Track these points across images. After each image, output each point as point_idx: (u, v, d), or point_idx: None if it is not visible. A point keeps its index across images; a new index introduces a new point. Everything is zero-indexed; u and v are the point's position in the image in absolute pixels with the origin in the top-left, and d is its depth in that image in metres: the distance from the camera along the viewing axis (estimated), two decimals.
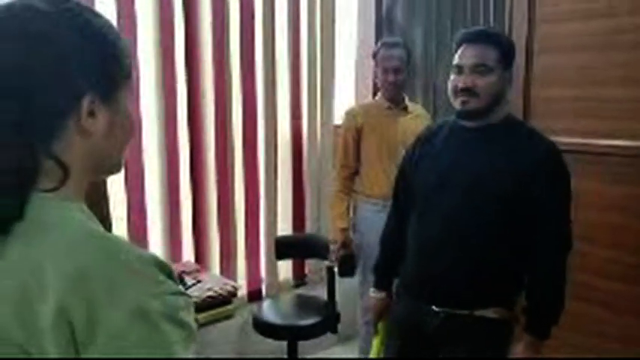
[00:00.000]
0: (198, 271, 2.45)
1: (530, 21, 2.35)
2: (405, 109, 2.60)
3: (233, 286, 2.33)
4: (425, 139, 1.76)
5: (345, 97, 3.23)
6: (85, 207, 0.68)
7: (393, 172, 2.43)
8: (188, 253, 2.63)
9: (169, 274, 0.62)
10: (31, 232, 0.61)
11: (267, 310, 2.52)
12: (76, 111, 0.64)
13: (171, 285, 0.61)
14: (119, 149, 0.73)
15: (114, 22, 0.69)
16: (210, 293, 2.21)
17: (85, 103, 0.64)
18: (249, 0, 2.63)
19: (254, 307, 2.60)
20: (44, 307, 0.56)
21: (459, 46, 1.60)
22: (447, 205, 1.62)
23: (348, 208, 2.64)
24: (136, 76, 2.20)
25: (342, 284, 2.69)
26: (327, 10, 2.99)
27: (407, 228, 1.75)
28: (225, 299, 2.25)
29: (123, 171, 0.71)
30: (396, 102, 2.58)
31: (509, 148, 1.57)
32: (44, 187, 0.63)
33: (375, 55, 2.59)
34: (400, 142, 2.51)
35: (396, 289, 1.83)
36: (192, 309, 0.63)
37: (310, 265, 3.13)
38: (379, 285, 1.89)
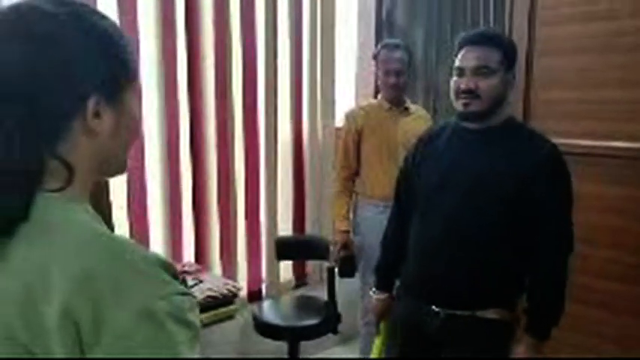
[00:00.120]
0: (198, 271, 2.46)
1: (531, 23, 2.36)
2: (406, 110, 2.61)
3: (234, 287, 2.33)
4: (426, 141, 1.76)
5: (346, 99, 3.24)
6: (89, 207, 0.68)
7: (394, 173, 2.43)
8: (189, 253, 2.63)
9: (174, 275, 0.63)
10: (36, 232, 0.61)
11: (268, 311, 2.52)
12: (81, 112, 0.65)
13: (176, 285, 0.62)
14: (124, 150, 0.74)
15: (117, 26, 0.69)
16: (211, 294, 2.21)
17: (91, 104, 0.65)
18: (250, 3, 2.64)
19: (254, 307, 2.61)
20: (49, 307, 0.57)
21: (460, 47, 1.60)
22: (448, 206, 1.62)
23: (348, 210, 2.64)
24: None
25: (342, 285, 2.70)
26: (327, 12, 3.00)
27: (408, 229, 1.76)
28: (226, 300, 2.25)
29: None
30: (397, 103, 2.59)
31: (510, 150, 1.58)
32: (49, 188, 0.63)
33: (376, 57, 2.60)
34: (401, 143, 2.52)
35: (397, 290, 1.84)
36: (197, 309, 0.64)
37: (310, 265, 3.13)
38: (380, 286, 1.90)
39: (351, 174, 2.64)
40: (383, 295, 1.88)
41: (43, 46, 0.62)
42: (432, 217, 1.67)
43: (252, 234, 2.81)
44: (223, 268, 2.69)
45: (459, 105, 1.59)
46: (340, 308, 2.63)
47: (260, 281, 2.89)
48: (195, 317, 0.62)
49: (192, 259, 2.63)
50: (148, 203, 2.41)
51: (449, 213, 1.62)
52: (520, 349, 1.60)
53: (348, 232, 2.61)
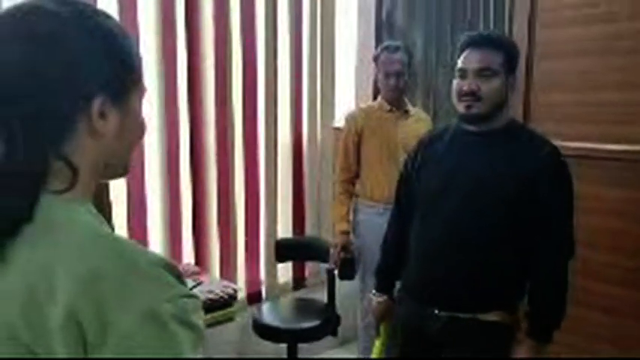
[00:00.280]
0: (198, 273, 2.45)
1: (531, 26, 2.37)
2: (407, 112, 2.61)
3: (233, 289, 2.32)
4: (427, 143, 1.76)
5: (345, 100, 3.24)
6: (93, 208, 0.68)
7: (394, 175, 2.43)
8: (188, 255, 2.62)
9: (178, 276, 0.63)
10: (40, 233, 0.60)
11: (267, 313, 2.52)
12: (86, 112, 0.64)
13: (181, 287, 0.62)
14: (128, 151, 0.74)
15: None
16: (210, 295, 2.20)
17: (96, 104, 0.64)
18: (250, 3, 2.64)
19: (254, 309, 2.60)
20: (54, 308, 0.56)
21: (463, 49, 1.60)
22: (448, 208, 1.62)
23: (348, 211, 2.64)
24: None
25: (341, 287, 2.69)
26: (327, 13, 3.00)
27: (409, 232, 1.75)
28: (225, 302, 2.24)
29: None
30: (397, 105, 2.59)
31: (511, 152, 1.58)
32: (53, 189, 0.63)
33: (376, 59, 2.60)
34: (401, 145, 2.52)
35: (398, 292, 1.83)
36: (201, 311, 0.64)
37: (310, 267, 3.12)
38: (381, 288, 1.89)
39: (351, 176, 2.63)
40: (383, 298, 1.88)
41: (45, 46, 0.61)
42: (433, 219, 1.66)
43: (252, 236, 2.81)
44: (222, 270, 2.68)
45: (460, 107, 1.59)
46: (339, 310, 2.62)
47: (259, 283, 2.88)
48: (200, 319, 0.62)
49: (192, 261, 2.62)
50: (148, 204, 2.40)
51: (449, 215, 1.62)
52: (521, 352, 1.60)
53: (347, 233, 2.60)
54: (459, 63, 1.60)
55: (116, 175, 0.75)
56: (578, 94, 2.25)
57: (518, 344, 1.61)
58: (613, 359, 2.22)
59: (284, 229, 3.00)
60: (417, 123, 2.60)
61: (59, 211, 0.62)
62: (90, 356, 0.56)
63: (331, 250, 2.62)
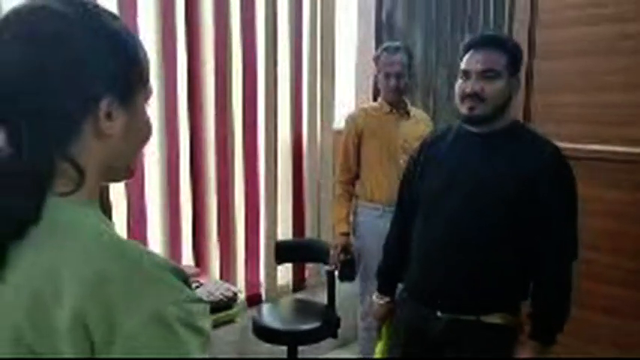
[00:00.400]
0: (198, 274, 2.44)
1: (531, 27, 2.37)
2: (407, 113, 2.61)
3: (234, 291, 2.31)
4: (430, 144, 1.76)
5: (345, 102, 3.23)
6: (99, 210, 0.68)
7: (394, 176, 2.45)
8: (187, 257, 2.61)
9: (184, 280, 0.62)
10: (46, 235, 0.60)
11: (267, 315, 2.51)
12: (93, 113, 0.64)
13: (188, 291, 0.61)
14: (134, 152, 0.73)
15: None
16: (211, 297, 2.19)
17: (103, 105, 0.64)
18: (250, 4, 2.63)
19: (253, 311, 2.59)
20: (60, 311, 0.56)
21: (466, 51, 1.59)
22: (450, 209, 1.62)
23: (348, 213, 2.63)
24: None
25: (341, 288, 2.69)
26: (327, 14, 3.00)
27: (411, 232, 1.75)
28: (226, 304, 2.24)
29: None
30: (398, 106, 2.59)
31: (513, 153, 1.57)
32: (59, 191, 0.62)
33: (376, 60, 2.59)
34: (401, 146, 2.52)
35: (400, 293, 1.83)
36: (207, 315, 0.64)
37: (309, 269, 3.12)
38: (382, 289, 1.89)
39: (352, 177, 2.63)
40: (385, 300, 1.87)
41: (49, 46, 0.61)
42: (435, 220, 1.66)
43: (252, 237, 2.80)
44: (222, 272, 2.68)
45: (464, 108, 1.58)
46: (339, 312, 2.61)
47: (259, 285, 2.87)
48: (206, 323, 0.62)
49: (192, 263, 2.61)
50: (147, 206, 2.39)
51: (450, 216, 1.61)
52: (524, 353, 1.59)
53: (347, 235, 2.59)
54: (462, 64, 1.59)
55: (120, 178, 0.75)
56: (580, 95, 2.26)
57: (520, 346, 1.61)
58: (613, 359, 2.22)
59: (284, 231, 2.99)
60: (418, 124, 2.59)
61: (65, 213, 0.62)
62: (97, 356, 0.56)
63: (331, 252, 2.61)
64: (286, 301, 2.78)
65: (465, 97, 1.57)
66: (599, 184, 2.20)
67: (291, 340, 2.45)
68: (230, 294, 2.27)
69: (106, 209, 1.84)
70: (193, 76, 2.50)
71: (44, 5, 0.63)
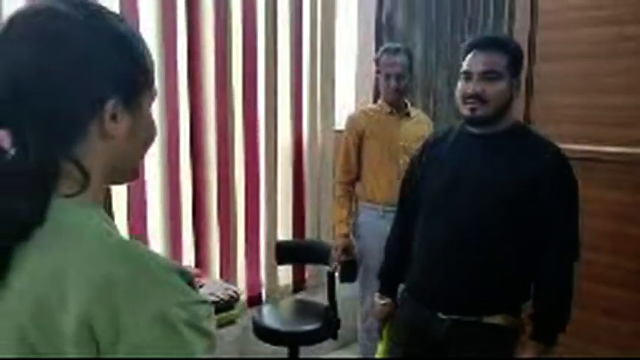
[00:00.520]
0: (198, 275, 2.43)
1: (531, 28, 2.37)
2: (407, 114, 2.61)
3: (235, 291, 2.31)
4: (432, 144, 1.76)
5: (346, 103, 3.24)
6: (104, 212, 0.68)
7: (395, 177, 2.45)
8: (188, 258, 2.61)
9: (190, 282, 0.62)
10: (50, 237, 0.60)
11: (268, 316, 2.51)
12: (98, 115, 0.64)
13: (193, 293, 0.62)
14: (139, 154, 0.73)
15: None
16: (212, 298, 2.19)
17: (109, 106, 0.64)
18: (251, 5, 2.63)
19: (254, 312, 2.59)
20: (65, 315, 0.56)
21: (467, 52, 1.59)
22: (451, 209, 1.62)
23: (349, 214, 2.63)
24: None
25: (341, 289, 2.69)
26: (327, 15, 3.00)
27: (412, 233, 1.75)
28: (227, 304, 2.23)
29: None
30: (398, 107, 2.59)
31: (514, 154, 1.58)
32: (64, 192, 0.62)
33: (377, 61, 2.60)
34: (401, 147, 2.52)
35: (401, 293, 1.83)
36: (213, 317, 0.64)
37: (309, 270, 3.12)
38: (384, 291, 1.89)
39: (352, 178, 2.63)
40: (386, 300, 1.87)
41: (54, 46, 0.61)
42: (436, 220, 1.66)
43: (252, 238, 2.80)
44: (222, 273, 2.68)
45: (465, 110, 1.59)
46: (339, 313, 2.61)
47: (259, 286, 2.87)
48: (212, 325, 0.62)
49: (192, 264, 2.60)
50: (148, 207, 2.39)
51: (451, 216, 1.62)
52: (525, 354, 1.59)
53: (348, 235, 2.60)
54: (464, 65, 1.59)
55: (125, 180, 0.75)
56: (580, 96, 2.26)
57: (522, 347, 1.61)
58: (614, 359, 2.22)
59: (284, 232, 2.99)
60: (418, 125, 2.60)
61: (70, 215, 0.62)
62: (102, 356, 0.56)
63: (332, 252, 2.61)
64: (287, 302, 2.77)
65: (466, 98, 1.57)
66: (599, 184, 2.21)
67: (292, 340, 2.45)
68: (231, 295, 2.27)
69: (109, 211, 1.84)
70: (194, 79, 2.50)
71: (49, 7, 0.63)
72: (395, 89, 2.53)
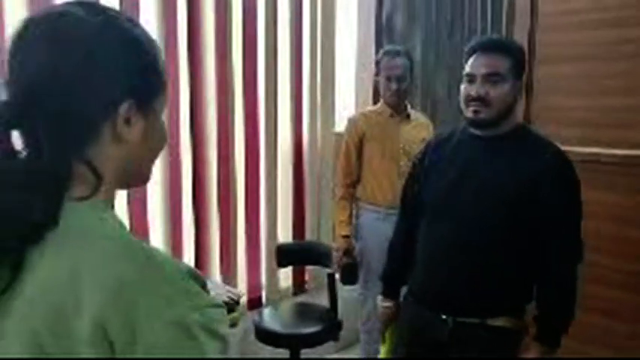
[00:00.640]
0: None
1: (531, 30, 2.38)
2: (408, 117, 2.62)
3: (236, 294, 2.30)
4: (434, 146, 1.76)
5: (346, 105, 3.24)
6: (116, 215, 0.68)
7: (395, 179, 2.46)
8: (189, 260, 2.60)
9: (203, 285, 0.63)
10: (63, 240, 0.60)
11: (269, 318, 2.50)
12: (111, 118, 0.64)
13: (207, 297, 0.62)
14: (151, 158, 0.74)
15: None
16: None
17: (122, 110, 0.64)
18: (251, 7, 2.63)
19: (254, 314, 2.59)
20: (80, 318, 0.56)
21: (470, 54, 1.59)
22: (453, 211, 1.62)
23: (350, 216, 2.63)
24: None
25: (342, 291, 2.69)
26: (327, 17, 3.00)
27: (415, 235, 1.75)
28: (229, 307, 2.22)
29: None
30: (399, 110, 2.60)
31: (515, 155, 1.58)
32: (77, 195, 0.63)
33: (377, 64, 2.60)
34: (402, 149, 2.53)
35: (404, 295, 1.83)
36: (227, 321, 0.64)
37: (310, 272, 3.11)
38: (387, 293, 1.89)
39: (353, 180, 2.63)
40: (389, 303, 1.87)
41: (69, 48, 0.62)
42: (439, 222, 1.67)
43: (252, 240, 2.80)
44: (223, 275, 2.67)
45: (468, 112, 1.59)
46: (340, 315, 2.61)
47: (260, 288, 2.86)
48: (225, 328, 0.63)
49: (192, 266, 2.60)
50: (148, 209, 2.38)
51: (454, 218, 1.62)
52: (529, 355, 1.60)
53: (349, 237, 2.60)
54: (467, 68, 1.60)
55: (137, 183, 0.75)
56: (580, 98, 2.27)
57: (526, 349, 1.61)
58: (614, 359, 2.23)
59: (284, 234, 2.98)
60: (418, 127, 2.60)
61: (83, 218, 0.62)
62: (120, 356, 0.56)
63: (333, 254, 2.61)
64: (287, 305, 2.77)
65: (469, 100, 1.57)
66: (599, 186, 2.21)
67: (293, 343, 2.45)
68: (233, 297, 2.26)
69: None
70: (194, 79, 2.50)
71: (65, 11, 0.64)
72: (395, 92, 2.53)
